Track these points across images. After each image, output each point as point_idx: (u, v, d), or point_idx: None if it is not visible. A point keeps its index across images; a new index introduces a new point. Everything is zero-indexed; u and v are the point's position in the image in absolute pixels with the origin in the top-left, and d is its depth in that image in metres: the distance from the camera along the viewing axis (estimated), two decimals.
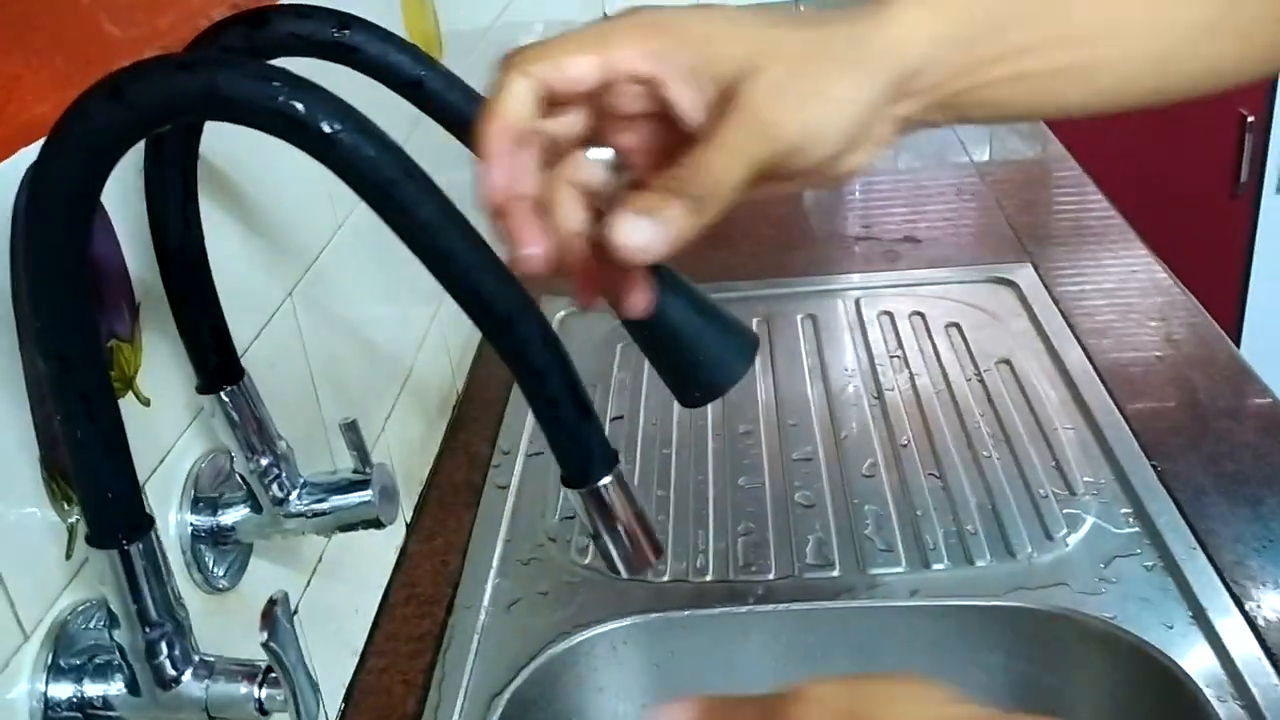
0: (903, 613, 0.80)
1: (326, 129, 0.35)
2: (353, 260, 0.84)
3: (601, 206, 0.44)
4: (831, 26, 0.44)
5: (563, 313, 1.20)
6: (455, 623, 0.82)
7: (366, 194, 0.37)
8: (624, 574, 0.47)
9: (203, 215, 0.54)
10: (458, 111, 0.49)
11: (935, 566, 0.82)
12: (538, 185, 0.43)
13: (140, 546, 0.46)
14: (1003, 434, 0.96)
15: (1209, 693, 0.70)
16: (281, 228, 0.72)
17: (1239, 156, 1.98)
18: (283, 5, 0.47)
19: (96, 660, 0.49)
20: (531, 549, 0.89)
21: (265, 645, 0.45)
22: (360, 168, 0.36)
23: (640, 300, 0.46)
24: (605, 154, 0.47)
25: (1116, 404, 0.96)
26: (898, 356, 1.09)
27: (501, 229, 0.43)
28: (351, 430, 0.58)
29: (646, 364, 1.11)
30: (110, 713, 0.49)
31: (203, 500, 0.59)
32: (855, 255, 1.32)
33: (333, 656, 0.76)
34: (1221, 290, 2.03)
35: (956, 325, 1.13)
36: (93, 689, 0.48)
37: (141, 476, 0.47)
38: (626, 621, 0.81)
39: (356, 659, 0.79)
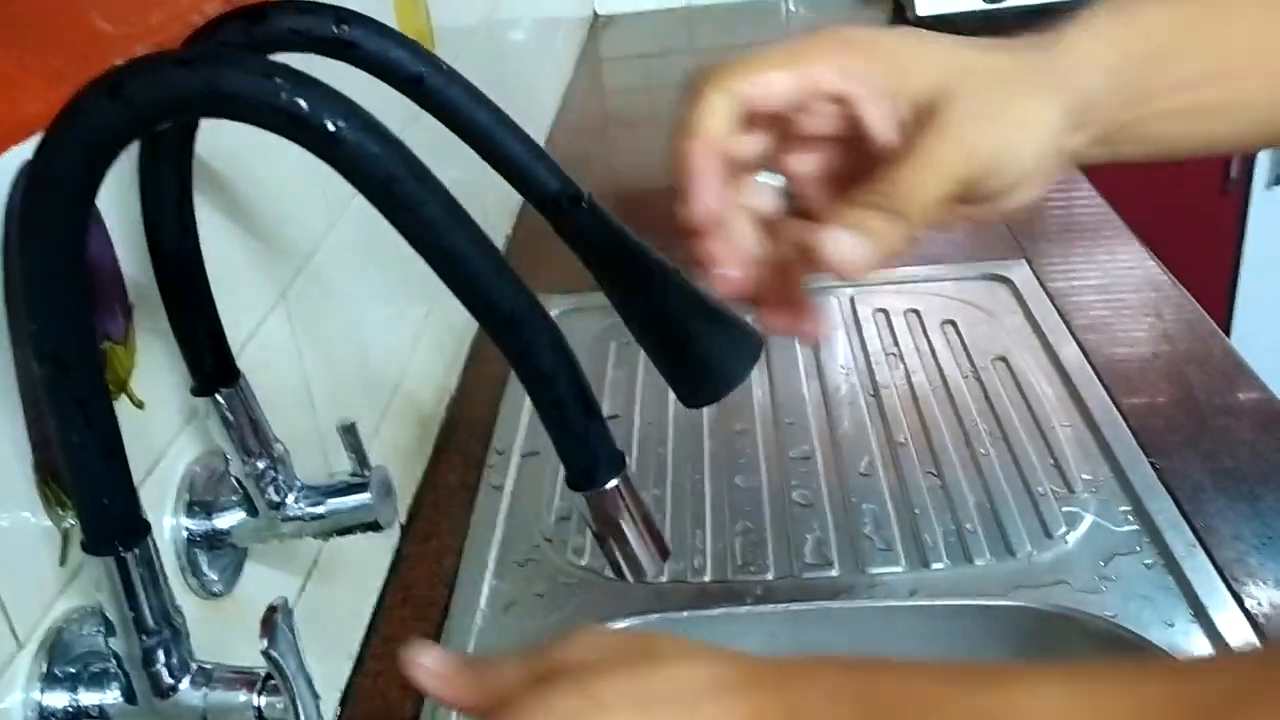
0: (902, 612, 0.79)
1: (330, 126, 0.35)
2: (345, 261, 0.84)
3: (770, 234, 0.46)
4: (1018, 52, 0.46)
5: (556, 311, 1.19)
6: (452, 625, 0.81)
7: (370, 193, 0.36)
8: (630, 578, 0.46)
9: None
10: (459, 109, 0.48)
11: (934, 566, 0.82)
12: (732, 208, 0.44)
13: (137, 553, 0.45)
14: (1000, 432, 0.95)
15: None
16: (274, 228, 0.71)
17: (1228, 155, 1.98)
18: (280, 0, 0.46)
19: (92, 669, 0.48)
20: (528, 550, 0.88)
21: (265, 653, 0.45)
22: (364, 166, 0.35)
23: (814, 325, 0.48)
24: (775, 180, 0.48)
25: (1113, 401, 0.96)
26: (893, 354, 1.09)
27: (699, 248, 0.45)
28: (350, 433, 0.58)
29: (642, 362, 1.11)
30: None
31: (197, 504, 0.58)
32: None
33: (329, 661, 0.75)
34: (1212, 285, 2.03)
35: (952, 322, 1.12)
36: (88, 698, 0.47)
37: (135, 480, 0.46)
38: (625, 623, 0.80)
39: (353, 663, 0.78)
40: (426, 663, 0.42)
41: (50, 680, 0.46)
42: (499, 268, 0.37)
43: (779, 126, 0.46)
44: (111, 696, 0.47)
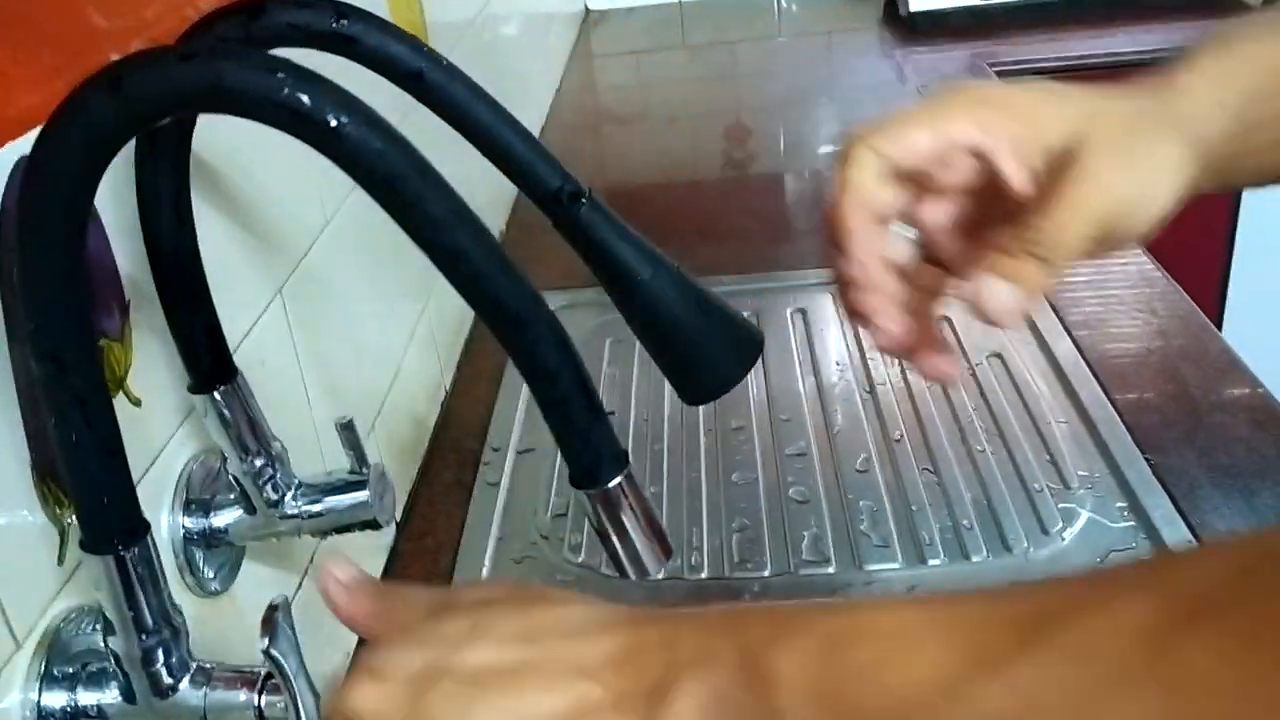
0: None
1: (333, 122, 0.34)
2: (341, 257, 0.83)
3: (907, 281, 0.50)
4: (1139, 97, 0.49)
5: (550, 307, 1.18)
6: None
7: (374, 189, 0.35)
8: (633, 576, 0.46)
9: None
10: (459, 104, 0.48)
11: (931, 562, 0.82)
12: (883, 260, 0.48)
13: (136, 552, 0.45)
14: (996, 428, 0.95)
15: None
16: (269, 224, 0.71)
17: None
18: None
19: (90, 668, 0.48)
20: (524, 547, 0.88)
21: (266, 652, 0.44)
22: (367, 162, 0.35)
23: (951, 366, 0.51)
24: (908, 231, 0.51)
25: (1108, 397, 0.96)
26: None
27: (856, 301, 0.50)
28: (348, 430, 0.57)
29: (637, 359, 1.11)
30: None
31: (195, 502, 0.57)
32: None
33: (325, 659, 0.75)
34: (1202, 281, 2.03)
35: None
36: (87, 698, 0.47)
37: (133, 478, 0.46)
38: None
39: (349, 661, 0.78)
40: (339, 575, 0.43)
41: (49, 680, 0.46)
42: (503, 265, 0.37)
43: (915, 180, 0.49)
44: (110, 696, 0.47)
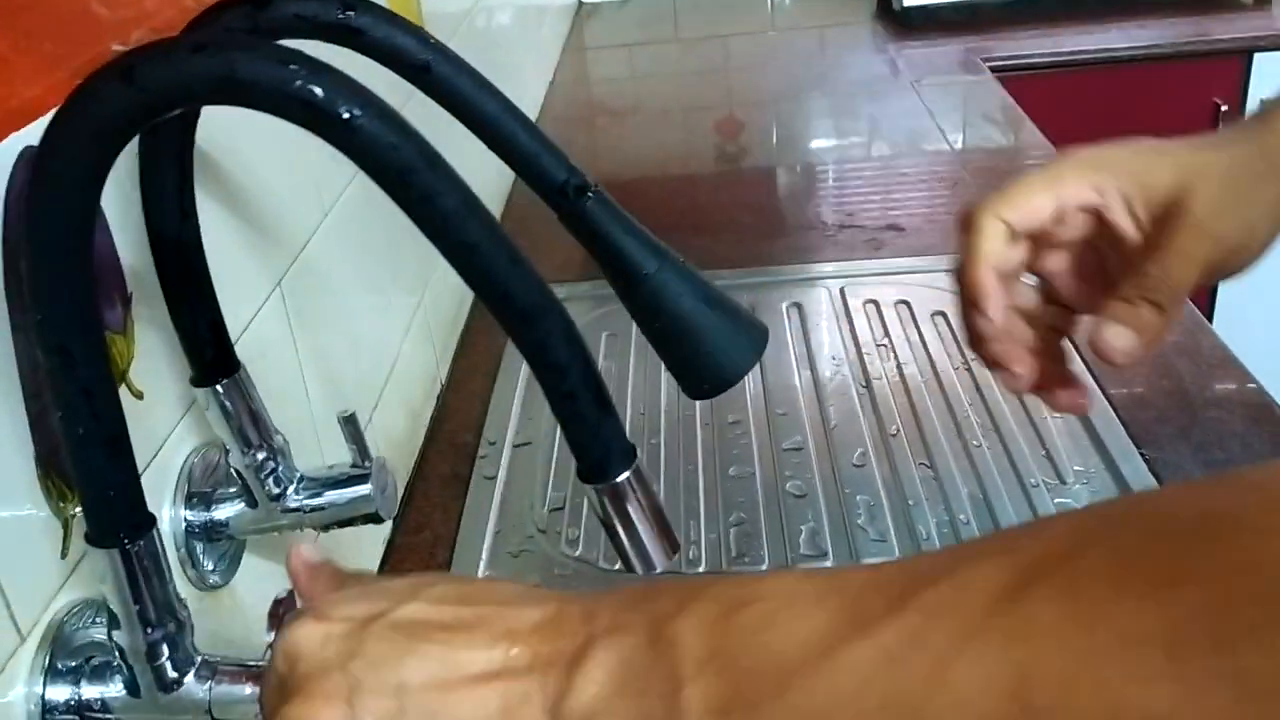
0: None
1: (345, 115, 0.34)
2: (338, 250, 0.83)
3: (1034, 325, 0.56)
4: (1237, 144, 0.54)
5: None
6: None
7: (386, 182, 0.35)
8: (640, 570, 0.46)
9: None
10: (466, 97, 0.48)
11: None
12: (1011, 313, 0.54)
13: (142, 545, 0.44)
14: (992, 423, 0.96)
15: None
16: (268, 217, 0.71)
17: None
18: None
19: (94, 662, 0.47)
20: (521, 541, 0.88)
21: (272, 646, 0.44)
22: (380, 155, 0.35)
23: (1080, 398, 0.56)
24: (1030, 279, 0.57)
25: (1104, 392, 0.96)
26: (884, 345, 1.09)
27: (994, 353, 0.54)
28: (350, 423, 0.57)
29: (633, 353, 1.11)
30: (109, 715, 0.47)
31: (196, 495, 0.57)
32: (839, 243, 1.32)
33: None
34: None
35: (942, 314, 1.13)
36: (91, 691, 0.47)
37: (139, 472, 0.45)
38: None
39: None
40: (306, 556, 0.46)
41: (53, 673, 0.45)
42: (514, 258, 0.37)
43: (1037, 236, 0.55)
44: (114, 690, 0.47)
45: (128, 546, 0.44)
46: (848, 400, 1.01)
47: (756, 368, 1.06)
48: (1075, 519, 0.31)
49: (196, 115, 0.48)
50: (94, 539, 0.44)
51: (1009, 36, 2.07)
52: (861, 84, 1.94)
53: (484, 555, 0.87)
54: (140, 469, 0.53)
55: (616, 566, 0.84)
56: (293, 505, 0.58)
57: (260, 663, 0.49)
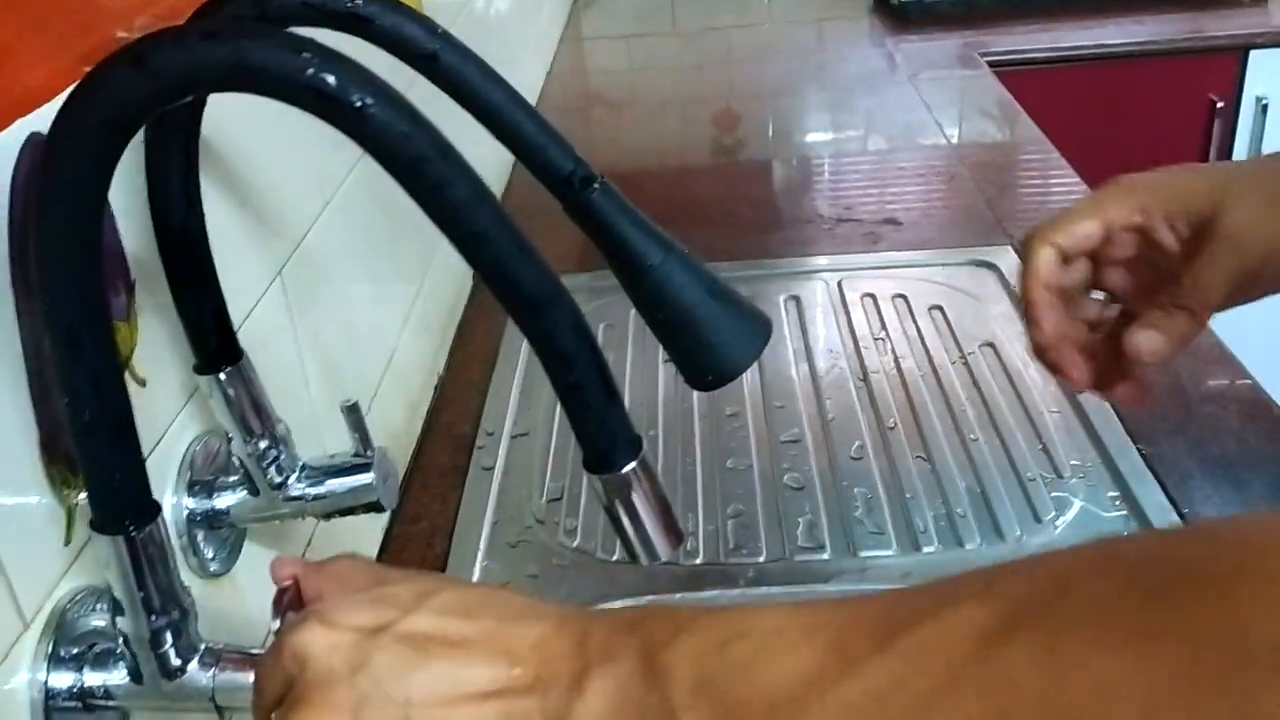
0: None
1: (357, 103, 0.34)
2: (338, 240, 0.83)
3: (1098, 332, 0.62)
4: (1271, 165, 0.58)
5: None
6: None
7: (397, 171, 0.35)
8: (644, 561, 0.46)
9: None
10: (473, 87, 0.48)
11: (926, 549, 0.82)
12: (1066, 323, 0.60)
13: (147, 533, 0.44)
14: (989, 417, 0.96)
15: None
16: (269, 206, 0.71)
17: (1207, 141, 2.00)
18: None
19: (97, 649, 0.47)
20: (519, 531, 0.88)
21: (278, 634, 0.44)
22: (392, 143, 0.35)
23: (1137, 393, 0.62)
24: (1095, 294, 0.63)
25: None
26: (882, 339, 1.09)
27: (1050, 360, 0.61)
28: (353, 412, 0.57)
29: (631, 344, 1.11)
30: (112, 702, 0.47)
31: (198, 483, 0.57)
32: (836, 237, 1.32)
33: None
34: None
35: (939, 308, 1.13)
36: (94, 678, 0.47)
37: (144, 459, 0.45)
38: (617, 604, 0.80)
39: None
40: (288, 561, 0.47)
41: (56, 660, 0.45)
42: (524, 248, 0.37)
43: (1094, 256, 0.61)
44: (118, 677, 0.47)
45: (133, 533, 0.44)
46: (845, 393, 1.01)
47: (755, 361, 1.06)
48: (1054, 562, 0.31)
49: (203, 103, 0.47)
50: (99, 526, 0.44)
51: (1006, 31, 2.07)
52: (859, 77, 1.94)
53: (482, 546, 0.87)
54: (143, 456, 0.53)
55: (615, 557, 0.84)
56: (294, 494, 0.58)
57: (265, 651, 0.49)
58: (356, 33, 0.46)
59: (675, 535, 0.46)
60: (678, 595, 0.80)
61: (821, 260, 1.26)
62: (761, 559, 0.83)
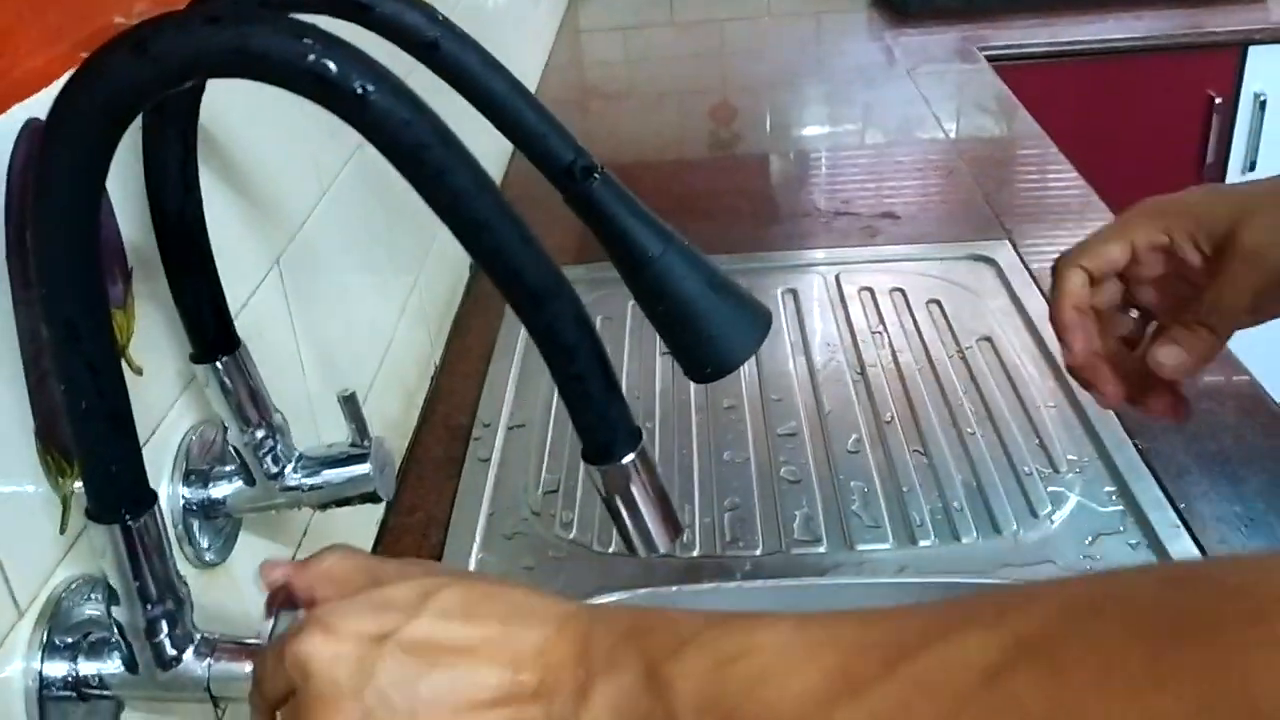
0: (890, 589, 0.80)
1: (359, 90, 0.34)
2: (336, 229, 0.82)
3: (1135, 349, 0.64)
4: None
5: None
6: None
7: (398, 159, 0.35)
8: (642, 552, 0.46)
9: None
10: (474, 76, 0.47)
11: (922, 543, 0.82)
12: (1099, 343, 0.62)
13: (143, 522, 0.44)
14: (986, 411, 0.96)
15: None
16: (266, 195, 0.70)
17: (1205, 137, 2.00)
18: None
19: (92, 638, 0.47)
20: (515, 523, 0.88)
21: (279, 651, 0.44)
22: (393, 131, 0.35)
23: (1172, 408, 0.63)
24: (1131, 312, 0.65)
25: None
26: (879, 333, 1.09)
27: (1083, 378, 0.63)
28: (350, 402, 0.57)
29: (628, 337, 1.11)
30: (106, 691, 0.47)
31: (194, 472, 0.57)
32: (833, 230, 1.32)
33: None
34: None
35: (937, 302, 1.13)
36: (88, 667, 0.47)
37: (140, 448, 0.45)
38: (614, 596, 0.80)
39: None
40: (277, 563, 0.47)
41: (50, 649, 0.45)
42: (525, 238, 0.37)
43: (1125, 275, 0.63)
44: (112, 666, 0.47)
45: (128, 522, 0.44)
46: (842, 387, 1.01)
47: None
48: (1065, 595, 0.31)
49: (202, 89, 0.47)
50: (95, 514, 0.44)
51: (1005, 25, 2.07)
52: (857, 71, 1.94)
53: (478, 537, 0.86)
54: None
55: (611, 549, 0.84)
56: (291, 484, 0.58)
57: (261, 640, 0.49)
58: (357, 20, 0.46)
59: (674, 527, 0.46)
60: (674, 588, 0.80)
61: (819, 254, 1.26)
62: (758, 552, 0.83)
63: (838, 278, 1.19)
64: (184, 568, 0.57)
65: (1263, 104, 1.98)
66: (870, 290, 1.16)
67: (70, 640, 0.46)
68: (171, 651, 0.47)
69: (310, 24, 0.34)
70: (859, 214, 1.35)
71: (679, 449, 0.95)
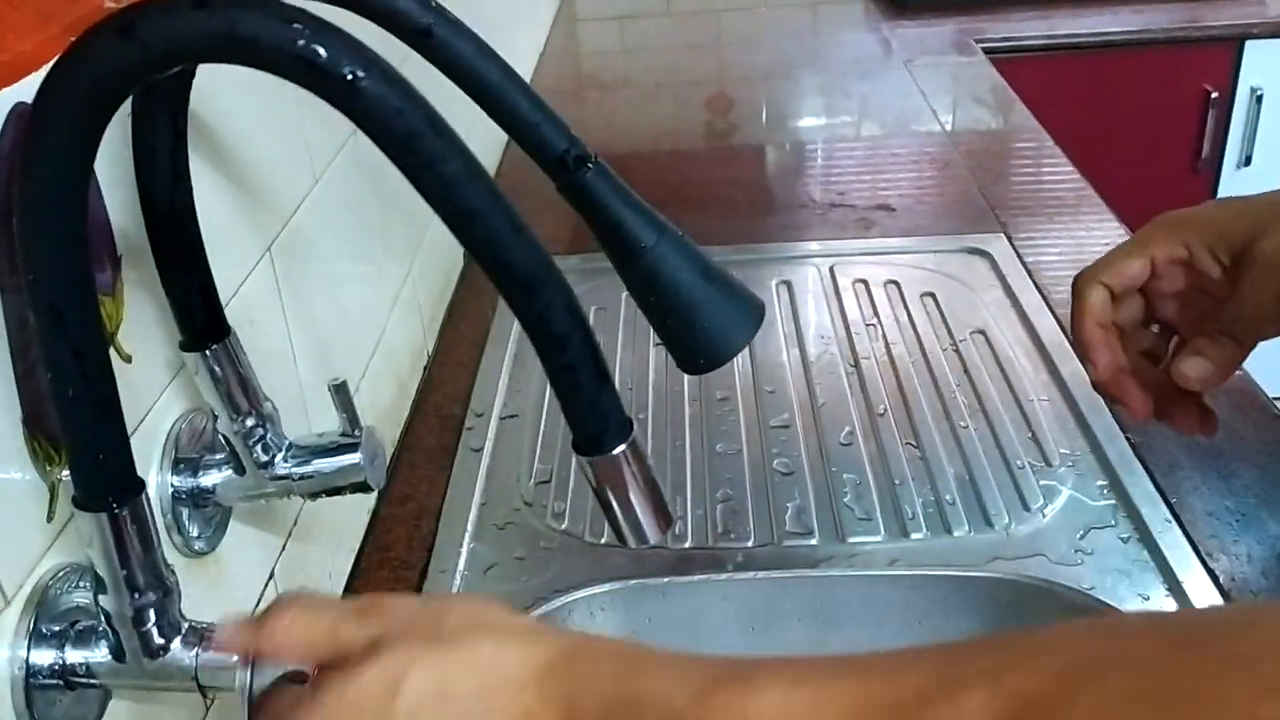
0: (882, 582, 0.80)
1: (349, 76, 0.34)
2: (328, 217, 0.82)
3: (1160, 363, 0.64)
4: None
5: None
6: (430, 587, 0.81)
7: (389, 146, 0.35)
8: (633, 544, 0.46)
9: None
10: (467, 63, 0.47)
11: (914, 536, 0.82)
12: (1123, 358, 0.63)
13: (130, 510, 0.44)
14: (979, 405, 0.96)
15: None
16: (259, 181, 0.70)
17: (1201, 132, 2.00)
18: None
19: (79, 626, 0.47)
20: (507, 513, 0.88)
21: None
22: (383, 118, 0.34)
23: (1198, 422, 0.64)
24: (1153, 327, 0.65)
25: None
26: (873, 325, 1.09)
27: (1110, 393, 0.64)
28: (341, 391, 0.56)
29: (621, 328, 1.11)
30: (93, 680, 0.47)
31: (183, 461, 0.57)
32: (828, 222, 1.32)
33: None
34: None
35: (931, 295, 1.13)
36: (75, 656, 0.46)
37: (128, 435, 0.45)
38: (605, 587, 0.80)
39: None
40: (230, 633, 0.46)
41: (37, 637, 0.45)
42: (517, 227, 0.37)
43: (1147, 290, 0.63)
44: (100, 655, 0.46)
45: (116, 511, 0.43)
46: (836, 379, 1.01)
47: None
48: (1064, 654, 0.31)
49: (192, 75, 0.47)
50: (82, 503, 0.43)
51: (1002, 18, 2.07)
52: (854, 62, 1.94)
53: (469, 527, 0.86)
54: (128, 433, 0.53)
55: (603, 540, 0.84)
56: (281, 473, 0.58)
57: None
58: (349, 5, 0.45)
59: (665, 519, 0.46)
60: (665, 579, 0.80)
61: (813, 245, 1.26)
62: (750, 544, 0.83)
63: (832, 270, 1.19)
64: (173, 556, 0.56)
65: (1259, 98, 1.98)
66: (865, 282, 1.16)
67: (57, 628, 0.46)
68: (159, 640, 0.47)
69: (300, 8, 0.34)
70: (854, 206, 1.35)
71: (671, 440, 0.95)
